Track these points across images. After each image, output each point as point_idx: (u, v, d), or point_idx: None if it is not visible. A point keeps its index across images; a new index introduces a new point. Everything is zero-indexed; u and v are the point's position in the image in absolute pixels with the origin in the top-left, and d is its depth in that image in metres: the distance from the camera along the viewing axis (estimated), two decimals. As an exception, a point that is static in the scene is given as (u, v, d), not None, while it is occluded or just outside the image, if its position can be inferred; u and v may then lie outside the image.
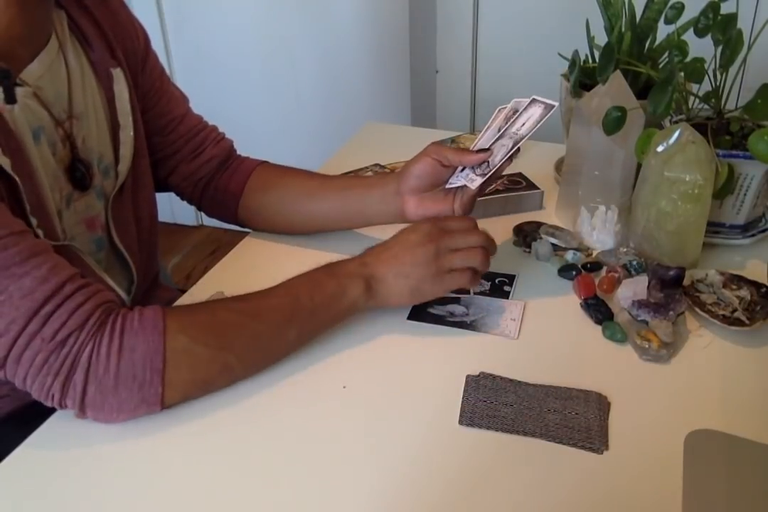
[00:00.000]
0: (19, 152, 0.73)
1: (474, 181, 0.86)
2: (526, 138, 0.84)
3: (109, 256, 0.90)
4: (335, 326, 0.82)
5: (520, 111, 0.87)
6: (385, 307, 0.83)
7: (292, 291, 0.78)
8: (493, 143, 0.87)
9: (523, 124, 0.85)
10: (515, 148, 0.84)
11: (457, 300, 0.89)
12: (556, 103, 0.84)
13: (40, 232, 0.74)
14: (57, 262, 0.68)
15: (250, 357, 0.75)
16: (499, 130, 0.88)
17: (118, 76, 0.86)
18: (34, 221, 0.74)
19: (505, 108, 0.89)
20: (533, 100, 0.86)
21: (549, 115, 0.84)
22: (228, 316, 0.75)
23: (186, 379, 0.71)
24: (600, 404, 0.73)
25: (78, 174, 0.82)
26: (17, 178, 0.71)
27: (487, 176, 0.86)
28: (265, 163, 1.04)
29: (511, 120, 0.87)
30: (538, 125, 0.84)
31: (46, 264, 0.67)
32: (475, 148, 0.89)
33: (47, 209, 0.77)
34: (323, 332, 0.81)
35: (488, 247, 0.83)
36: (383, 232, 0.93)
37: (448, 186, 0.89)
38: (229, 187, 1.00)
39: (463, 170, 0.89)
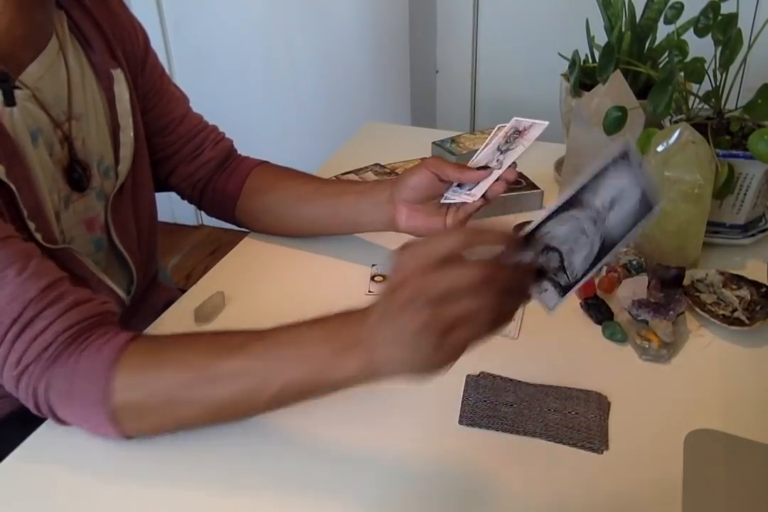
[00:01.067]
0: (17, 156, 0.73)
1: (474, 197, 0.84)
2: (522, 152, 0.83)
3: (109, 256, 0.90)
4: (324, 397, 0.64)
5: (522, 132, 0.85)
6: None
7: (271, 352, 0.64)
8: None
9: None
10: (513, 162, 0.83)
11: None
12: (546, 122, 0.83)
13: (38, 236, 0.74)
14: (31, 274, 0.66)
15: (203, 424, 0.70)
16: (498, 149, 0.86)
17: (119, 76, 0.86)
18: (32, 226, 0.73)
19: (504, 126, 0.87)
20: (534, 124, 0.85)
21: (539, 132, 0.83)
22: (183, 379, 0.65)
23: (140, 428, 0.69)
24: (600, 404, 0.73)
25: (75, 175, 0.82)
26: (12, 185, 0.71)
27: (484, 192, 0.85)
28: (264, 163, 1.03)
29: (512, 141, 0.85)
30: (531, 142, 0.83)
31: (17, 279, 0.65)
32: (474, 165, 0.88)
33: (45, 212, 0.77)
34: (307, 401, 0.65)
35: (497, 306, 0.54)
36: (384, 236, 0.93)
37: (444, 201, 0.88)
38: (227, 188, 1.00)
39: (459, 186, 0.87)
